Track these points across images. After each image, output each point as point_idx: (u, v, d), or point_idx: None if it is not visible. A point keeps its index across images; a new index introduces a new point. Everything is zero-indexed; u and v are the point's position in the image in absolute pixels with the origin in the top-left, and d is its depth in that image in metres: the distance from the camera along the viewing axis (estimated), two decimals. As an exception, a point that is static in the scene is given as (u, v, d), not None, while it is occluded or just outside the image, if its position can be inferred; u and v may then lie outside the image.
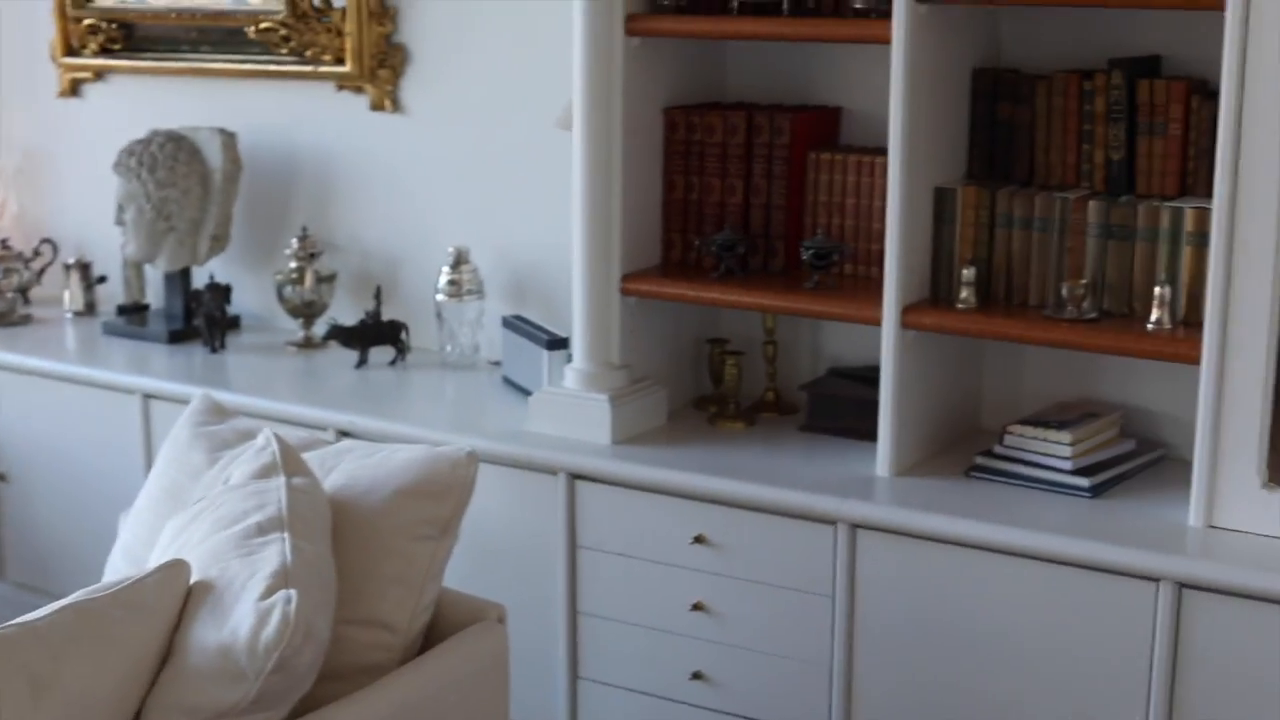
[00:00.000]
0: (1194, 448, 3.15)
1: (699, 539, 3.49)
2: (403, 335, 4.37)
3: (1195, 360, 3.11)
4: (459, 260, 4.27)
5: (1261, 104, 2.97)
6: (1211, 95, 3.25)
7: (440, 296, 4.28)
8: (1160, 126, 3.31)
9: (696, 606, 3.52)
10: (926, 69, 3.33)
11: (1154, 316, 3.22)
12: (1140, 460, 3.46)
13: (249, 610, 2.52)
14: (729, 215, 3.72)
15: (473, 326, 4.32)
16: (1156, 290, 3.22)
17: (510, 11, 4.21)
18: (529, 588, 3.70)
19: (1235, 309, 3.05)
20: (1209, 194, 3.18)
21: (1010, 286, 3.42)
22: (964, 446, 3.59)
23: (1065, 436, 3.34)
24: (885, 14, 3.31)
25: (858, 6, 3.42)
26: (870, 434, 3.47)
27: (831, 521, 3.34)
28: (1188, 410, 3.29)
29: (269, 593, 2.53)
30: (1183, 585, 3.04)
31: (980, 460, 3.44)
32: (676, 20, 3.61)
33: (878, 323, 3.39)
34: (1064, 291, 3.30)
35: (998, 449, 3.43)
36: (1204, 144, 3.27)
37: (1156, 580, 3.05)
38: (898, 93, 3.29)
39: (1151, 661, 3.07)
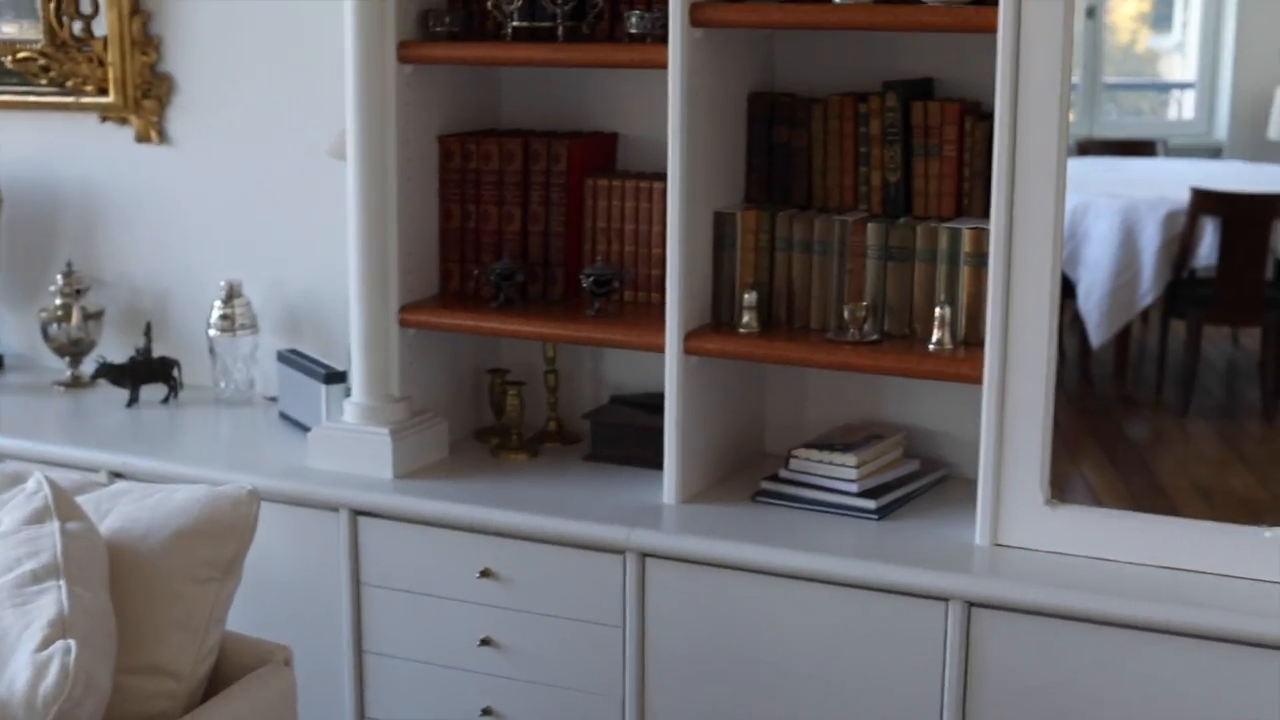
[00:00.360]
0: (977, 466, 3.17)
1: (486, 573, 3.43)
2: (175, 372, 4.24)
3: (977, 380, 3.13)
4: (231, 294, 4.16)
5: (1034, 125, 3.00)
6: (985, 116, 3.30)
7: (213, 331, 4.17)
8: (935, 148, 3.33)
9: (485, 641, 3.46)
10: (703, 93, 3.32)
11: (935, 337, 3.24)
12: (925, 480, 3.48)
13: (26, 663, 2.42)
14: (507, 243, 3.67)
15: (247, 362, 4.22)
16: (937, 311, 3.24)
17: (280, 40, 4.12)
18: (314, 628, 3.61)
19: (1015, 328, 3.08)
20: (985, 214, 3.21)
21: (792, 310, 3.42)
22: (750, 471, 3.58)
23: (850, 459, 3.35)
24: (661, 39, 3.29)
25: (633, 31, 3.40)
26: (656, 462, 3.44)
27: (620, 551, 3.30)
28: (970, 429, 3.32)
29: (46, 643, 2.44)
30: (971, 604, 3.05)
31: (766, 485, 3.43)
32: (449, 47, 3.56)
33: (660, 349, 3.37)
34: (846, 314, 3.31)
35: (783, 473, 3.42)
36: (978, 165, 3.30)
37: (945, 600, 3.06)
38: (675, 117, 3.27)
39: (943, 680, 3.08)
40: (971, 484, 3.27)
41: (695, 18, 3.25)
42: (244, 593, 2.96)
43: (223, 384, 4.22)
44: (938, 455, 3.58)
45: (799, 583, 3.18)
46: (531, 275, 3.66)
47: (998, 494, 3.15)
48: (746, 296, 3.38)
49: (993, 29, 3.01)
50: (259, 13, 4.14)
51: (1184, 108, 5.27)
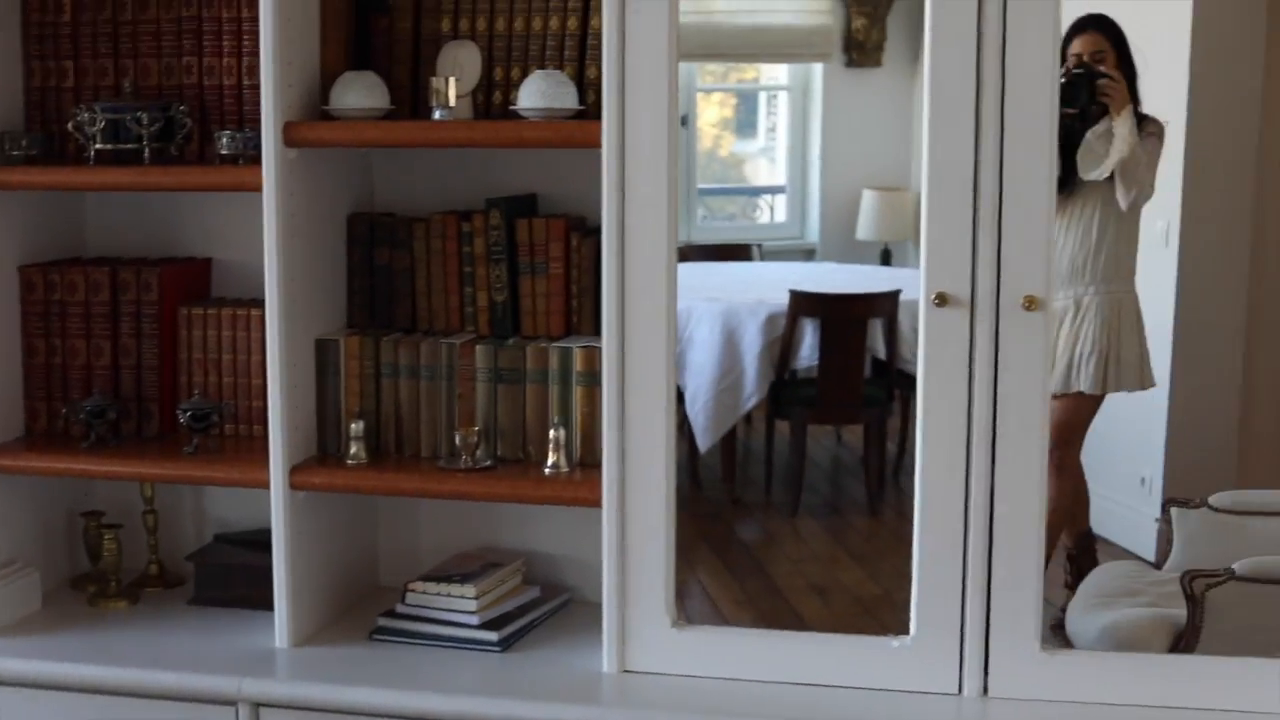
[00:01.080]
0: (600, 590, 3.09)
1: (86, 734, 3.21)
2: None
3: (596, 503, 3.05)
4: None
5: (642, 238, 2.96)
6: (590, 232, 3.24)
7: None
8: (542, 266, 3.26)
9: (87, 807, 3.23)
10: (300, 215, 3.19)
11: (551, 460, 3.16)
12: (547, 607, 3.38)
13: None
14: (97, 379, 3.46)
15: None
16: (551, 433, 3.16)
17: None
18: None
19: (632, 448, 3.01)
20: (596, 332, 3.17)
21: (401, 438, 3.29)
22: (365, 608, 3.42)
23: (469, 590, 3.23)
24: (254, 160, 3.15)
25: (224, 153, 3.24)
26: (265, 603, 3.26)
27: (231, 702, 3.11)
28: (589, 552, 3.25)
29: None
30: (601, 735, 2.97)
31: (383, 622, 3.28)
32: (26, 172, 3.34)
33: (265, 485, 3.20)
34: (457, 440, 3.20)
35: (400, 608, 3.28)
36: (586, 282, 3.24)
37: (571, 733, 2.97)
38: (271, 242, 3.13)
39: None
40: (595, 607, 3.19)
41: (289, 138, 3.12)
42: None
43: None
44: (558, 580, 3.48)
45: (412, 723, 3.06)
46: (124, 412, 3.45)
47: (623, 619, 3.07)
48: (354, 426, 3.24)
49: (596, 144, 2.96)
50: None
51: (776, 211, 5.34)
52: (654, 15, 2.92)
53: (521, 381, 3.22)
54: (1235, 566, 3.59)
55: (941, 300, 2.89)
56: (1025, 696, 2.95)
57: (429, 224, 3.31)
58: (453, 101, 3.14)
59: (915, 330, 4.89)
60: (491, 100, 3.24)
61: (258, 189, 3.13)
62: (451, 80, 3.14)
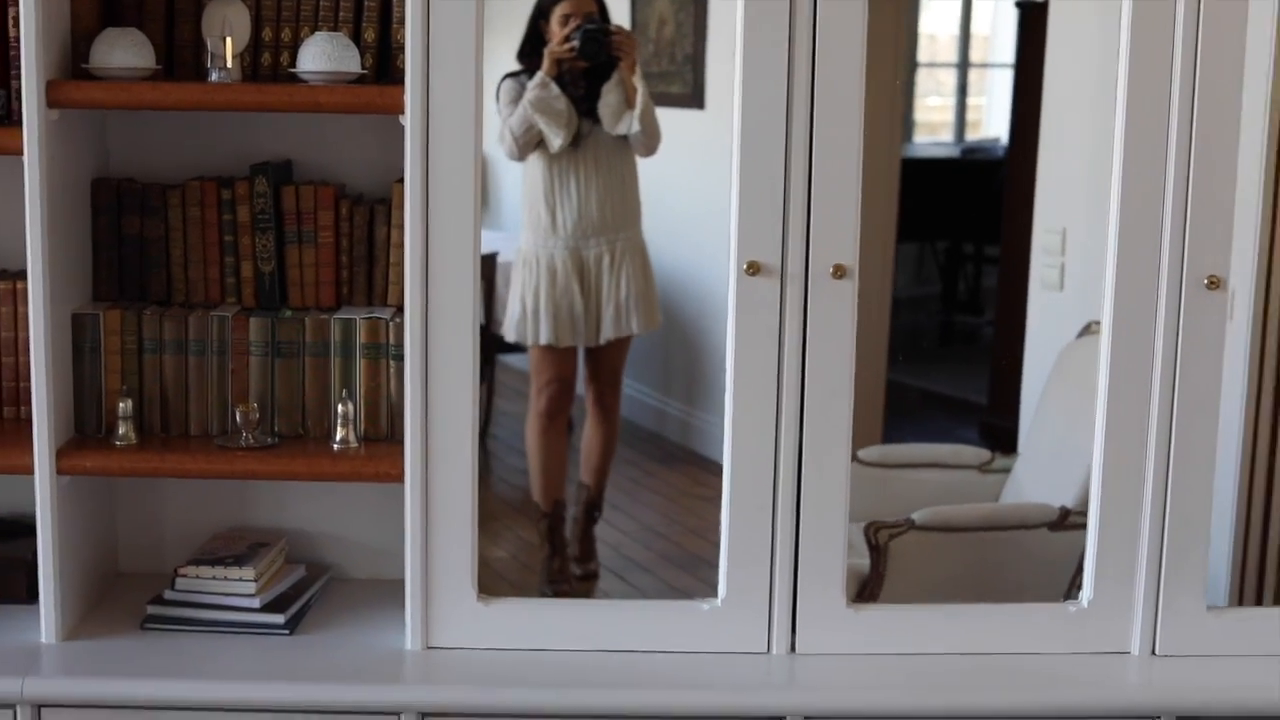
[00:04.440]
0: (362, 566, 3.15)
1: None
2: None
3: (398, 478, 2.98)
4: None
5: (445, 210, 2.91)
6: (358, 200, 3.16)
7: None
8: (309, 234, 3.14)
9: None
10: (56, 182, 2.97)
11: (339, 435, 3.06)
12: (316, 586, 3.27)
13: None
14: None
15: None
16: (339, 408, 3.06)
17: None
18: None
19: (436, 422, 2.96)
20: (368, 302, 3.12)
21: (167, 416, 3.12)
22: (116, 597, 3.23)
23: (248, 572, 3.10)
24: (12, 122, 2.92)
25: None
26: (30, 596, 3.04)
27: (9, 705, 2.89)
28: (351, 527, 3.20)
29: None
30: (424, 715, 2.91)
31: (154, 610, 3.11)
32: None
33: (25, 470, 2.97)
34: (237, 417, 3.06)
35: (169, 594, 3.11)
36: (358, 251, 3.15)
37: (397, 714, 2.90)
38: (36, 210, 2.89)
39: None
40: (361, 584, 3.17)
41: (53, 98, 2.90)
42: None
43: None
44: (318, 558, 3.37)
45: (211, 715, 2.92)
46: None
47: (428, 595, 3.01)
48: (121, 405, 3.04)
49: (398, 110, 2.89)
50: None
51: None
52: (460, -20, 2.87)
53: (300, 355, 3.10)
54: (915, 516, 3.81)
55: (753, 269, 2.96)
56: (832, 651, 3.07)
57: (184, 191, 3.13)
58: (229, 63, 2.99)
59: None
60: (260, 62, 3.10)
61: (17, 153, 2.90)
62: (228, 40, 2.99)
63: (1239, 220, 3.57)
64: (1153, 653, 3.11)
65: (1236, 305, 3.78)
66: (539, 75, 4.65)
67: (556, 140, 4.64)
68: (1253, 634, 3.16)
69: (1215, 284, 2.98)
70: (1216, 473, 3.15)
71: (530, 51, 4.77)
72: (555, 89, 4.64)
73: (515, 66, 4.77)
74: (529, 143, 4.69)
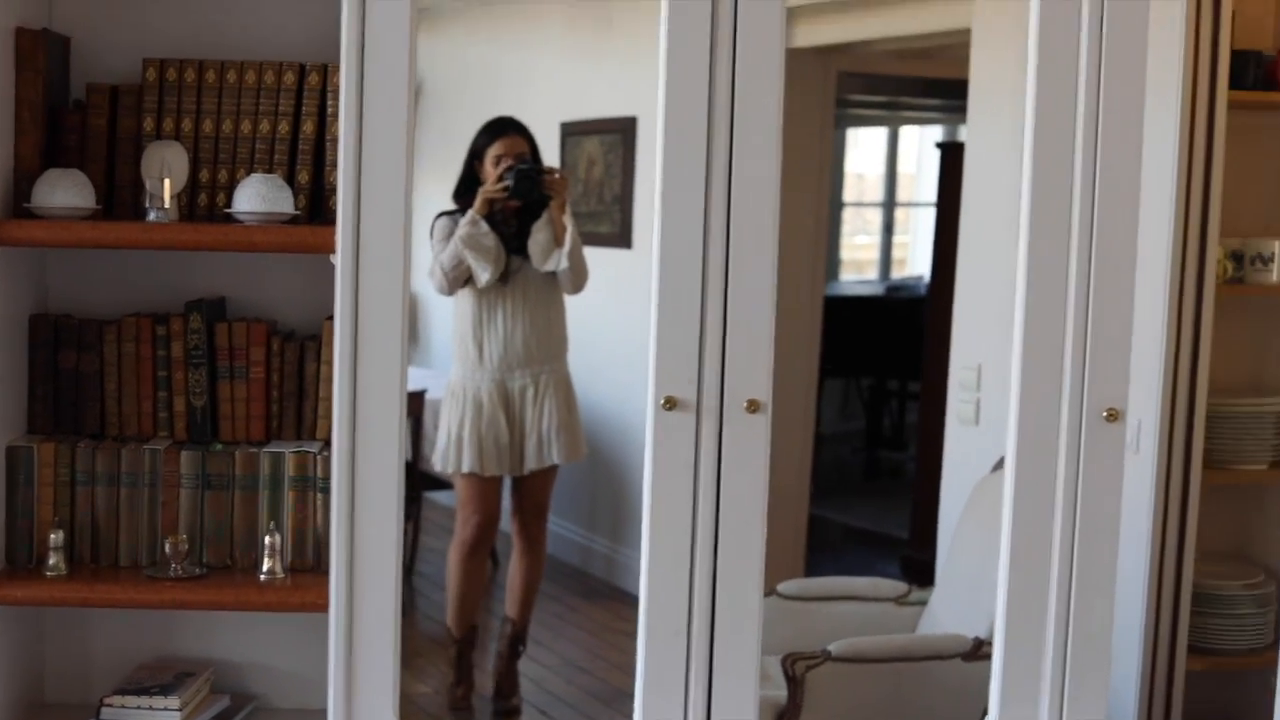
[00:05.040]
0: (287, 695, 3.19)
1: None
2: None
3: (323, 608, 3.05)
4: None
5: (373, 345, 3.00)
6: (289, 337, 3.25)
7: None
8: (241, 370, 3.23)
9: None
10: (-5, 318, 3.06)
11: (266, 566, 3.13)
12: (240, 716, 3.31)
13: None
14: None
15: None
16: (267, 539, 3.13)
17: None
18: None
19: (360, 552, 3.03)
20: (297, 436, 3.19)
21: (97, 546, 3.18)
22: (56, 726, 3.29)
23: (173, 701, 3.14)
24: (-51, 259, 3.01)
25: (-98, 251, 3.07)
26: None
27: (-63, 834, 2.93)
28: (278, 657, 3.25)
29: None
30: (346, 841, 2.96)
31: (82, 739, 3.16)
32: None
33: (-44, 600, 3.03)
34: (167, 548, 3.12)
35: (97, 725, 3.16)
36: (288, 386, 3.23)
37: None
38: (-28, 345, 2.99)
39: None
40: (283, 713, 3.20)
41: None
42: None
43: None
44: (243, 688, 3.42)
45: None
46: None
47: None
48: (53, 536, 3.10)
49: (329, 249, 2.99)
50: None
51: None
52: (390, 122, 2.98)
53: (230, 487, 3.18)
54: (831, 648, 3.89)
55: (670, 404, 3.06)
56: (749, 775, 3.15)
57: (120, 326, 3.22)
58: (167, 203, 3.09)
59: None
60: (196, 202, 3.20)
61: (-41, 288, 2.99)
62: (166, 181, 3.10)
63: (1145, 356, 3.71)
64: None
65: (1142, 436, 3.92)
66: (470, 213, 4.78)
67: (484, 275, 4.76)
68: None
69: (1114, 416, 3.10)
70: (1125, 597, 3.26)
71: (465, 191, 4.91)
72: (485, 226, 4.76)
73: (450, 206, 4.90)
74: (458, 278, 4.81)
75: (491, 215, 4.80)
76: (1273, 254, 4.12)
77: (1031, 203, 3.10)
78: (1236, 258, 4.16)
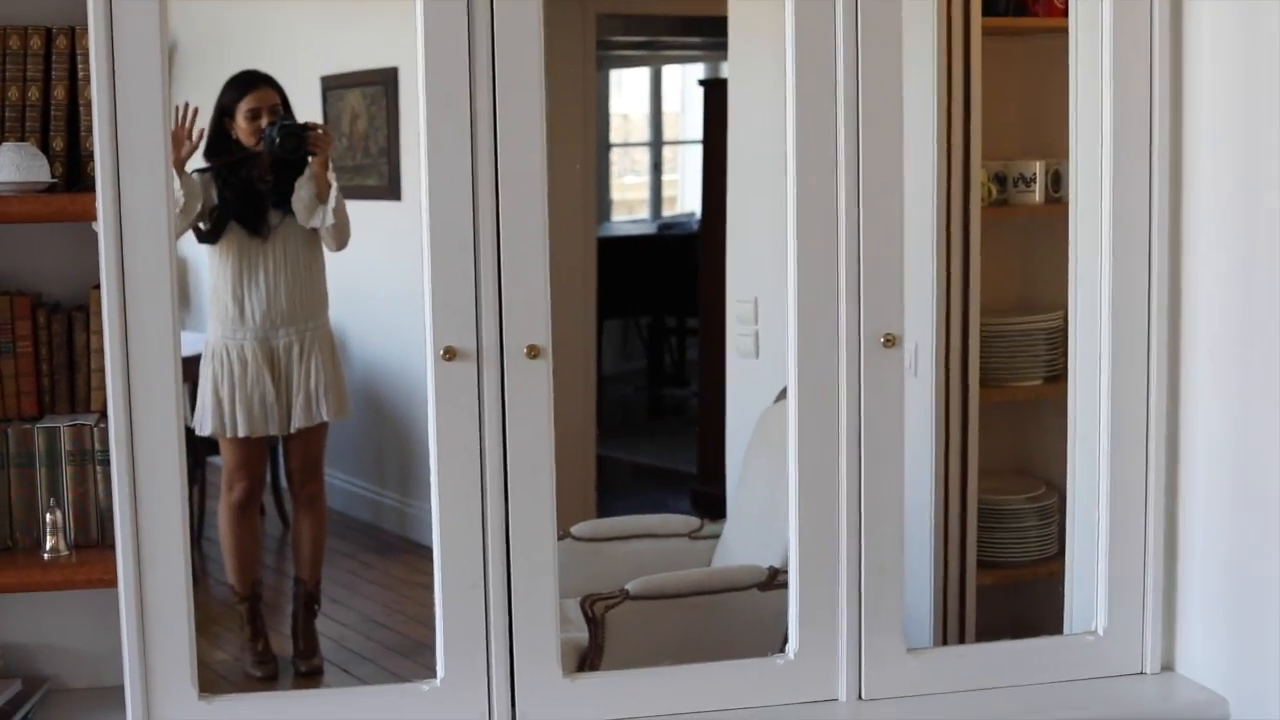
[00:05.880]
0: (81, 674, 3.17)
1: None
2: None
3: (112, 583, 2.99)
4: None
5: (142, 314, 2.94)
6: (55, 308, 3.17)
7: None
8: (8, 345, 3.15)
9: None
10: None
11: (49, 544, 3.07)
12: (34, 699, 3.24)
13: None
14: None
15: None
16: (48, 517, 3.06)
17: None
18: None
19: (146, 525, 2.98)
20: (70, 410, 3.15)
21: None
22: None
23: (-37, 688, 3.08)
24: None
25: None
26: None
27: None
28: (65, 636, 3.21)
29: None
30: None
31: None
32: None
33: None
34: (-58, 532, 3.05)
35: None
36: (59, 360, 3.16)
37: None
38: None
39: None
40: (81, 693, 3.16)
41: None
42: None
43: None
44: (36, 670, 3.34)
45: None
46: None
47: (148, 699, 3.01)
48: None
49: (90, 217, 2.92)
50: None
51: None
52: (145, 85, 2.91)
53: (4, 466, 3.10)
54: (629, 587, 3.91)
55: (450, 354, 3.04)
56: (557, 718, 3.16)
57: (-124, 308, 3.13)
58: (-86, 176, 3.00)
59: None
60: (-56, 174, 3.10)
61: None
62: (-87, 153, 3.00)
63: (917, 281, 3.77)
64: (859, 698, 3.25)
65: (920, 359, 3.98)
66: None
67: (195, 204, 4.65)
68: (953, 672, 3.32)
69: (891, 341, 3.15)
70: (913, 518, 3.31)
71: (217, 149, 4.80)
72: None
73: (203, 165, 4.79)
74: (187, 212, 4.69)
75: (250, 170, 4.71)
76: (1034, 175, 4.19)
77: (797, 136, 3.12)
78: (1000, 180, 4.22)
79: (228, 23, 6.40)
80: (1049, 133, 3.89)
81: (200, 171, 4.77)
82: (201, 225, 4.69)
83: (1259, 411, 3.15)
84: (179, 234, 4.65)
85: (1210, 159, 3.26)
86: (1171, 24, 3.26)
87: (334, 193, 4.74)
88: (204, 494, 5.93)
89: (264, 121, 4.72)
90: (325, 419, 4.90)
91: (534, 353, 3.06)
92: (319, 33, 6.39)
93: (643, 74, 9.02)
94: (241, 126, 4.73)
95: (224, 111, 4.82)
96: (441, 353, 3.04)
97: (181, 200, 4.65)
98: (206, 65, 6.15)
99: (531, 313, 3.06)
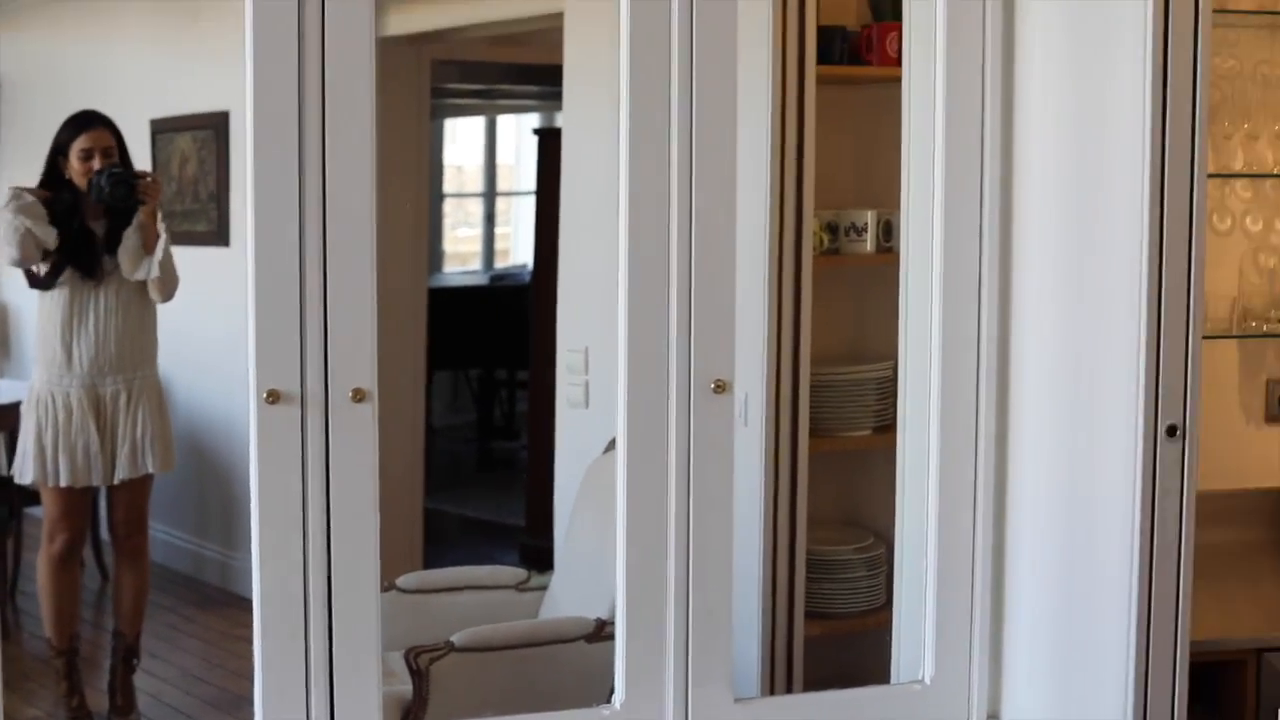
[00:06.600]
0: None
1: None
2: None
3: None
4: None
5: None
6: None
7: None
8: None
9: None
10: None
11: None
12: None
13: None
14: None
15: None
16: None
17: None
18: None
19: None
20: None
21: None
22: None
23: None
24: None
25: None
26: None
27: None
28: None
29: None
30: None
31: None
32: None
33: None
34: None
35: None
36: None
37: None
38: None
39: None
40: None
41: None
42: None
43: None
44: None
45: None
46: None
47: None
48: None
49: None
50: None
51: None
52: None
53: None
54: (454, 639, 3.85)
55: (273, 397, 2.97)
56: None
57: None
58: None
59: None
60: None
61: None
62: None
63: (749, 329, 3.76)
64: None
65: (750, 408, 3.97)
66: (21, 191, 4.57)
67: (49, 239, 4.55)
68: (779, 722, 3.31)
69: (722, 387, 3.13)
70: (742, 568, 3.29)
71: (50, 187, 4.69)
72: (30, 199, 4.56)
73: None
74: (24, 242, 4.56)
75: (81, 215, 4.61)
76: (865, 224, 4.21)
77: (629, 181, 3.10)
78: (832, 229, 4.23)
79: (60, 60, 6.29)
80: (881, 183, 3.91)
81: (22, 188, 4.66)
82: (36, 269, 4.58)
83: (1086, 461, 3.17)
84: (27, 254, 4.54)
85: (1039, 210, 3.28)
86: (1004, 70, 3.30)
87: (162, 243, 4.65)
88: (19, 546, 5.79)
89: (96, 163, 4.63)
90: (151, 470, 4.80)
91: (359, 396, 3.00)
92: (150, 74, 6.29)
93: (478, 123, 9.02)
94: (74, 167, 4.64)
95: (59, 150, 4.72)
96: (265, 396, 2.97)
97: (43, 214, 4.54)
98: (36, 102, 6.03)
99: (358, 356, 3.00)
